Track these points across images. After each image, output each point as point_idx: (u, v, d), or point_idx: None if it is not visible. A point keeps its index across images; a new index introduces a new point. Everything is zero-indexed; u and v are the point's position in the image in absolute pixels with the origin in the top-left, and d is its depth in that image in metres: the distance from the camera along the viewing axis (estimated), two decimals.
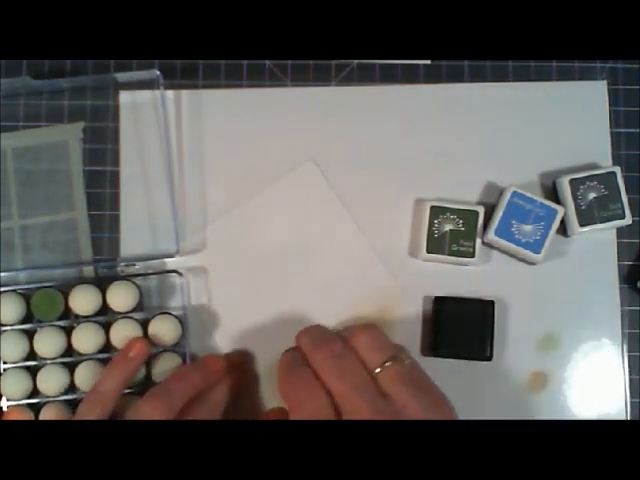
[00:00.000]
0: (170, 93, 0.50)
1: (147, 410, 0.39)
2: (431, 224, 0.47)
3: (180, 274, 0.47)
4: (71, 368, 0.46)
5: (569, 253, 0.49)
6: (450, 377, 0.44)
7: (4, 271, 0.47)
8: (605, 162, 0.50)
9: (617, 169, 0.48)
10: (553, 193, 0.49)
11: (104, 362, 0.46)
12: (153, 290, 0.48)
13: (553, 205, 0.47)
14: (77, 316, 0.47)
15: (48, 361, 0.46)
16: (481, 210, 0.47)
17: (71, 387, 0.46)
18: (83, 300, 0.46)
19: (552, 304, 0.49)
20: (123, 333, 0.46)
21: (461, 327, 0.46)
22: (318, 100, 0.50)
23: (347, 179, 0.49)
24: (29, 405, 0.46)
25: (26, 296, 0.46)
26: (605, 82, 0.51)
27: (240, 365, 0.47)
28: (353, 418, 0.37)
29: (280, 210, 0.49)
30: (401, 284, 0.48)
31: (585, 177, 0.47)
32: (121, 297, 0.46)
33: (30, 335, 0.46)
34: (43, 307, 0.46)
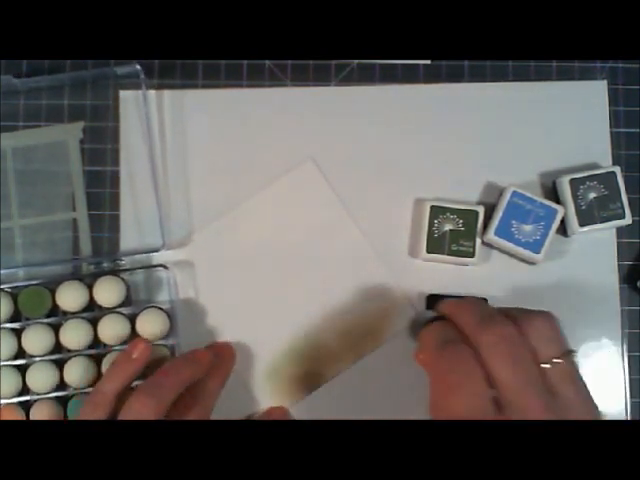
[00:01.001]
0: (170, 93, 0.50)
1: (137, 406, 0.39)
2: (431, 224, 0.47)
3: (167, 268, 0.47)
4: (60, 365, 0.46)
5: (569, 253, 0.49)
6: None
7: (4, 270, 0.47)
8: (605, 162, 0.50)
9: (617, 169, 0.48)
10: (553, 193, 0.49)
11: (93, 358, 0.46)
12: (140, 285, 0.48)
13: (553, 205, 0.47)
14: (65, 313, 0.47)
15: (37, 359, 0.46)
16: (481, 210, 0.47)
17: (61, 384, 0.46)
18: (70, 296, 0.46)
19: (552, 304, 0.48)
20: (111, 328, 0.46)
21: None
22: (318, 100, 0.50)
23: (347, 179, 0.49)
24: (19, 403, 0.46)
25: (13, 294, 0.47)
26: (605, 82, 0.51)
27: (230, 354, 0.47)
28: (521, 414, 0.34)
29: (273, 208, 0.49)
30: (401, 284, 0.48)
31: (585, 177, 0.47)
32: (108, 292, 0.46)
33: (18, 333, 0.46)
34: (30, 305, 0.46)
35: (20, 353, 0.46)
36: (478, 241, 0.47)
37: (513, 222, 0.47)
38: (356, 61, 0.51)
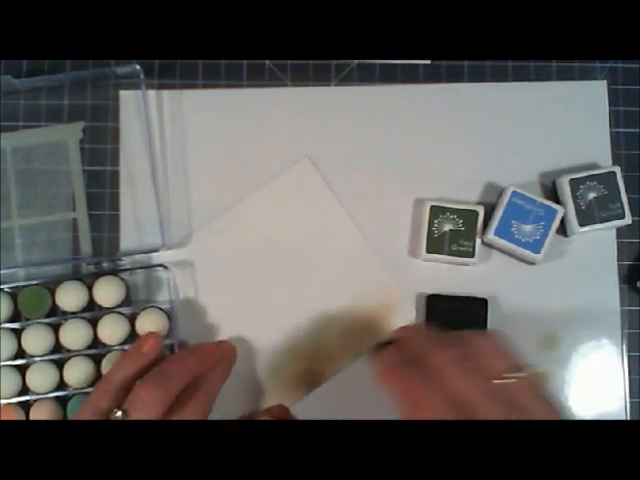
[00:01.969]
0: (170, 93, 0.50)
1: (143, 395, 0.39)
2: (431, 224, 0.47)
3: (166, 268, 0.47)
4: (60, 365, 0.46)
5: (569, 253, 0.49)
6: None
7: (4, 270, 0.47)
8: (605, 162, 0.50)
9: (617, 169, 0.48)
10: (553, 193, 0.49)
11: (93, 358, 0.46)
12: (140, 285, 0.48)
13: (553, 205, 0.47)
14: (64, 313, 0.47)
15: (37, 358, 0.46)
16: (481, 210, 0.47)
17: (61, 384, 0.46)
18: (70, 296, 0.46)
19: (552, 304, 0.49)
20: (111, 328, 0.46)
21: (454, 325, 0.46)
22: (318, 100, 0.50)
23: (347, 179, 0.49)
24: (19, 403, 0.46)
25: (13, 294, 0.47)
26: (605, 82, 0.51)
27: (232, 350, 0.47)
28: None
29: (272, 207, 0.49)
30: (401, 284, 0.48)
31: (585, 177, 0.47)
32: (108, 292, 0.46)
33: (18, 333, 0.46)
34: (30, 305, 0.46)
35: (20, 353, 0.46)
36: (478, 241, 0.47)
37: (513, 222, 0.47)
38: (356, 61, 0.51)
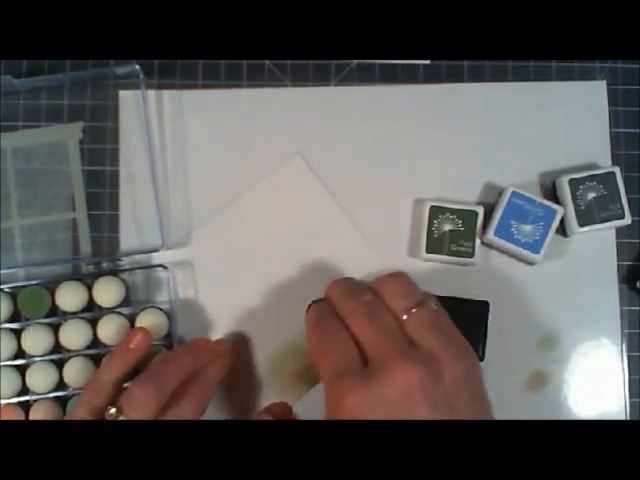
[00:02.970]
0: (169, 93, 0.50)
1: (138, 393, 0.39)
2: (430, 224, 0.47)
3: (166, 268, 0.47)
4: (60, 365, 0.46)
5: (568, 253, 0.49)
6: None
7: (4, 270, 0.47)
8: (604, 162, 0.50)
9: (616, 169, 0.48)
10: (552, 193, 0.49)
11: (92, 358, 0.46)
12: (140, 285, 0.48)
13: (552, 205, 0.47)
14: (64, 313, 0.47)
15: (36, 359, 0.46)
16: (480, 210, 0.47)
17: (60, 384, 0.46)
18: (69, 297, 0.46)
19: (552, 304, 0.49)
20: (110, 328, 0.46)
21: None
22: (318, 100, 0.50)
23: (347, 179, 0.49)
24: (19, 403, 0.46)
25: (13, 294, 0.47)
26: (604, 82, 0.51)
27: (231, 347, 0.47)
28: (381, 364, 0.36)
29: (268, 206, 0.49)
30: None
31: (584, 177, 0.47)
32: (107, 292, 0.46)
33: (17, 333, 0.46)
34: (30, 305, 0.46)
35: (19, 353, 0.46)
36: (478, 241, 0.47)
37: (513, 222, 0.47)
38: (356, 61, 0.51)
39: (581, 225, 0.47)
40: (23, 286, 0.47)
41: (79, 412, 0.40)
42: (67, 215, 0.49)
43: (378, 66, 0.51)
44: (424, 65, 0.51)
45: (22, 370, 0.46)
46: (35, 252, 0.48)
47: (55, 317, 0.47)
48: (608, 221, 0.47)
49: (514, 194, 0.47)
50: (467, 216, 0.47)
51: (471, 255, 0.47)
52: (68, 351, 0.46)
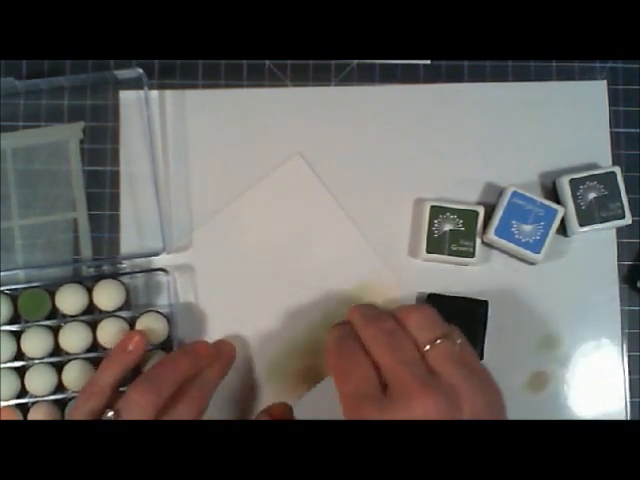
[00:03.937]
0: (170, 93, 0.50)
1: (135, 397, 0.39)
2: (431, 224, 0.47)
3: (166, 272, 0.47)
4: (59, 368, 0.46)
5: (569, 253, 0.49)
6: None
7: (4, 272, 0.47)
8: (605, 162, 0.50)
9: (617, 169, 0.48)
10: (553, 193, 0.49)
11: (92, 361, 0.46)
12: (140, 288, 0.48)
13: (553, 205, 0.47)
14: (64, 315, 0.47)
15: (36, 361, 0.46)
16: (481, 210, 0.47)
17: (59, 387, 0.46)
18: (70, 299, 0.46)
19: (552, 304, 0.49)
20: (110, 332, 0.46)
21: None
22: (318, 100, 0.50)
23: (347, 179, 0.49)
24: (18, 405, 0.46)
25: (13, 296, 0.47)
26: (605, 82, 0.51)
27: (231, 349, 0.47)
28: (400, 393, 0.36)
29: (268, 206, 0.49)
30: (401, 284, 0.48)
31: (585, 177, 0.47)
32: (108, 296, 0.46)
33: (17, 335, 0.46)
34: (30, 307, 0.46)
35: (19, 355, 0.46)
36: (478, 241, 0.47)
37: (513, 222, 0.47)
38: (356, 61, 0.51)
39: (581, 225, 0.47)
40: (23, 288, 0.47)
41: (76, 414, 0.40)
42: (67, 215, 0.49)
43: (378, 66, 0.51)
44: (424, 65, 0.51)
45: (21, 372, 0.46)
46: (35, 253, 0.48)
47: (55, 320, 0.47)
48: (608, 221, 0.47)
49: (515, 194, 0.47)
50: (467, 216, 0.47)
51: (472, 255, 0.47)
52: (68, 354, 0.46)
